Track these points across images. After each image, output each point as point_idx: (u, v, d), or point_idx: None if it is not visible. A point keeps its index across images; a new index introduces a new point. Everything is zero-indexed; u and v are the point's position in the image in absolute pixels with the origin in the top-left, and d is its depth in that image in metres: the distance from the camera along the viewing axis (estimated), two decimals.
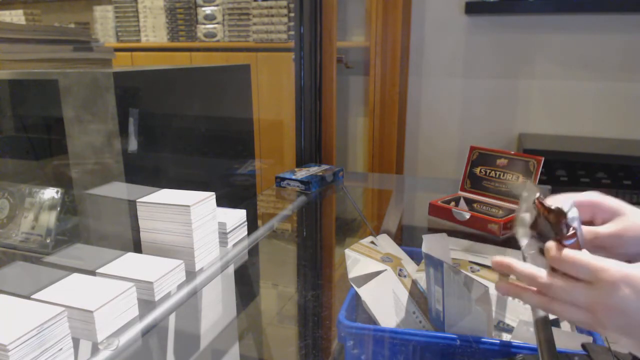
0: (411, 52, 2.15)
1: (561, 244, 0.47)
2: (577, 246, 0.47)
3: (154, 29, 2.62)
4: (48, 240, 0.94)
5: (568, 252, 0.46)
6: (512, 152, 1.13)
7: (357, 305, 0.69)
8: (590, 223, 0.54)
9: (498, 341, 0.58)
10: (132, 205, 0.84)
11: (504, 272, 0.51)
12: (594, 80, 1.95)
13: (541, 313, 0.51)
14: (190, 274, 0.81)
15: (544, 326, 0.51)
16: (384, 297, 0.66)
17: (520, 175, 1.11)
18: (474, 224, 1.08)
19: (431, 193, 1.58)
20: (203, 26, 2.51)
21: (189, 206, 0.78)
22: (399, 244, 0.80)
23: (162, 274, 0.74)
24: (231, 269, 0.89)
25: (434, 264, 0.61)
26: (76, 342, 0.60)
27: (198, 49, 2.52)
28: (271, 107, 2.34)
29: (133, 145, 0.90)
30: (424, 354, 0.59)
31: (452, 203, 1.17)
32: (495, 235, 1.03)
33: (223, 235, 0.91)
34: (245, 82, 1.35)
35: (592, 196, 0.54)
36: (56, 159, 1.07)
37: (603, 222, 0.53)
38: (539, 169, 1.07)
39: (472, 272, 0.74)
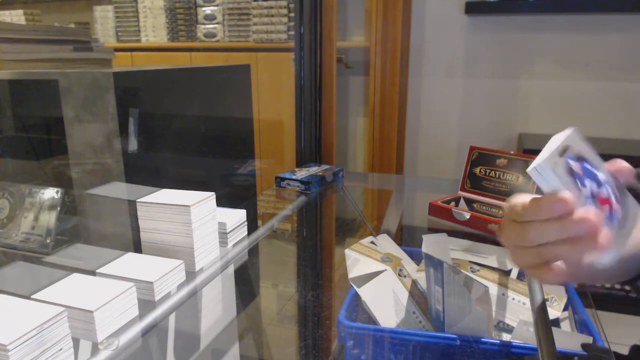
0: (411, 52, 2.15)
1: None
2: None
3: (154, 29, 2.62)
4: (48, 240, 0.94)
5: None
6: (512, 152, 1.13)
7: (357, 305, 0.69)
8: None
9: (498, 341, 0.58)
10: (132, 205, 0.84)
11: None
12: (594, 80, 1.95)
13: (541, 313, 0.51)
14: (190, 274, 0.81)
15: (544, 326, 0.51)
16: (384, 297, 0.66)
17: (520, 175, 1.11)
18: (474, 224, 1.08)
19: (431, 193, 1.58)
20: (203, 26, 2.51)
21: (189, 206, 0.78)
22: (399, 244, 0.80)
23: (162, 274, 0.74)
24: (231, 269, 0.89)
25: (434, 264, 0.61)
26: (76, 342, 0.60)
27: (198, 49, 2.52)
28: (271, 107, 2.34)
29: (133, 145, 0.90)
30: (424, 354, 0.59)
31: (452, 203, 1.17)
32: (495, 235, 1.03)
33: (223, 235, 0.91)
34: (245, 82, 1.34)
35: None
36: (56, 159, 1.07)
37: None
38: None
39: (472, 272, 0.74)
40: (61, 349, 0.57)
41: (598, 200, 0.42)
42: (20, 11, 2.41)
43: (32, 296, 0.63)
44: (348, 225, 1.28)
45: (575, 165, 0.43)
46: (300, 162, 1.63)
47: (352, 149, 2.41)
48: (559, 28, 1.94)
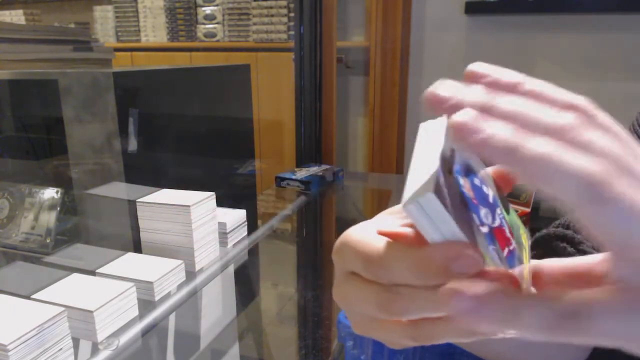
0: (411, 52, 2.15)
1: None
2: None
3: (154, 29, 2.62)
4: (48, 240, 0.94)
5: None
6: None
7: None
8: None
9: None
10: (132, 205, 0.84)
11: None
12: (594, 80, 1.95)
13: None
14: (190, 274, 0.81)
15: None
16: None
17: None
18: None
19: None
20: (203, 26, 2.51)
21: (189, 206, 0.78)
22: None
23: (162, 274, 0.74)
24: (231, 269, 0.89)
25: None
26: (76, 342, 0.60)
27: (198, 49, 2.52)
28: (271, 107, 2.34)
29: (133, 145, 0.90)
30: (424, 354, 0.59)
31: None
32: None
33: (223, 235, 0.91)
34: (245, 82, 1.34)
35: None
36: (56, 159, 1.07)
37: None
38: None
39: None
40: (61, 349, 0.57)
41: (495, 236, 0.24)
42: (20, 11, 2.42)
43: (32, 296, 0.63)
44: (348, 225, 1.28)
45: (466, 186, 0.24)
46: (300, 162, 1.63)
47: (352, 149, 2.40)
48: (559, 28, 1.94)
